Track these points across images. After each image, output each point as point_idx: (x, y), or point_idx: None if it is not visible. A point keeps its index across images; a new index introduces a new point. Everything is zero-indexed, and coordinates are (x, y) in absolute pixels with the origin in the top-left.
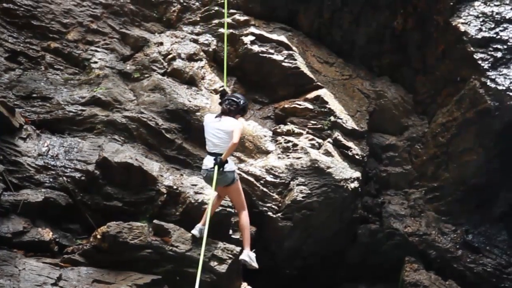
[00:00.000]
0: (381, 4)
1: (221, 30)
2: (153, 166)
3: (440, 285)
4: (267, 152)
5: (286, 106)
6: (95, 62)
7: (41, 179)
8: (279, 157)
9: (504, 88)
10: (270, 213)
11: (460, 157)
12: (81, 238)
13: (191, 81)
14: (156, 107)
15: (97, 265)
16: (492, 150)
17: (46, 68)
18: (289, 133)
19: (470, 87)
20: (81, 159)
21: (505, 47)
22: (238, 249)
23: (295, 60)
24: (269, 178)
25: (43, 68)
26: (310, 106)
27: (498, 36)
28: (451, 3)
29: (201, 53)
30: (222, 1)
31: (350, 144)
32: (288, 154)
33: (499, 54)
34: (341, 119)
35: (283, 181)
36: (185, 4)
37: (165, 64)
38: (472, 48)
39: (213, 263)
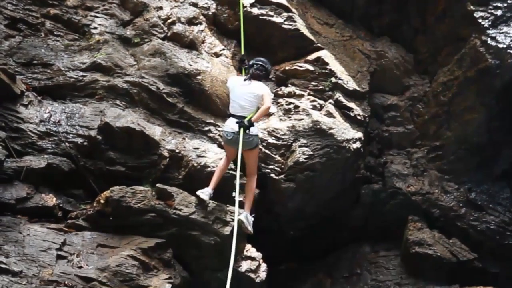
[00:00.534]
0: None
1: None
2: (155, 130)
3: (444, 243)
4: (268, 114)
5: (287, 68)
6: (95, 28)
7: (44, 145)
8: (280, 119)
9: (504, 46)
10: (273, 175)
11: (462, 115)
12: (84, 203)
13: (192, 45)
14: (157, 72)
15: (101, 230)
16: (493, 108)
17: (46, 35)
18: (290, 95)
19: (471, 46)
20: (83, 124)
21: (505, 5)
22: (241, 210)
23: (295, 22)
24: (271, 140)
25: (43, 34)
26: (311, 67)
27: None
28: None
29: (201, 17)
30: None
31: (351, 104)
32: (289, 116)
33: (499, 12)
34: (342, 80)
35: (285, 143)
36: None
37: (165, 28)
38: (472, 7)
39: (217, 226)
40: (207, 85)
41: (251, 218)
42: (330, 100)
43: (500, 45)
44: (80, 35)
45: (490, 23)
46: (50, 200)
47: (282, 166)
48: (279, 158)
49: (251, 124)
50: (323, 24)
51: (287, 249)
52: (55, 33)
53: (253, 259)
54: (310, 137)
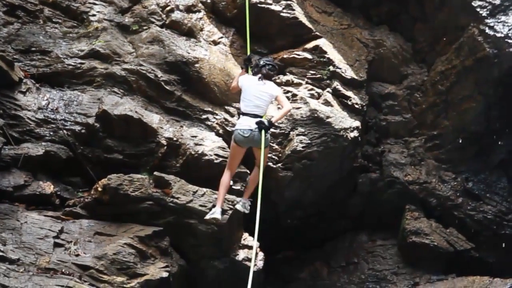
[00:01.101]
0: None
1: None
2: (152, 118)
3: (441, 232)
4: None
5: (285, 56)
6: (94, 15)
7: (42, 132)
8: (278, 108)
9: (502, 35)
10: (270, 164)
11: (460, 105)
12: (82, 191)
13: (190, 33)
14: (155, 59)
15: (98, 218)
16: (491, 98)
17: (44, 22)
18: (288, 83)
19: (469, 35)
20: (81, 112)
21: None
22: (239, 199)
23: (294, 10)
24: None
25: (42, 21)
26: (309, 56)
27: None
28: None
29: (199, 4)
30: None
31: (349, 93)
32: None
33: (497, 1)
34: (340, 68)
35: (283, 131)
36: None
37: (164, 16)
38: None
39: None
40: (205, 73)
41: (248, 203)
42: (328, 89)
43: (498, 34)
44: (79, 22)
45: (488, 12)
46: (48, 187)
47: (280, 155)
48: (276, 146)
49: (271, 125)
50: (322, 12)
51: (284, 238)
52: (53, 20)
53: (250, 247)
54: (308, 126)
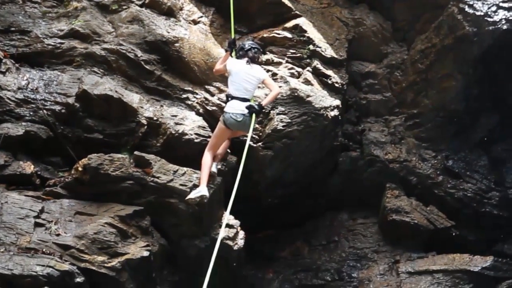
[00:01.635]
0: None
1: None
2: (133, 97)
3: (421, 210)
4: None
5: (265, 35)
6: None
7: (21, 112)
8: (258, 86)
9: (482, 13)
10: (251, 143)
11: (440, 83)
12: (62, 170)
13: (170, 12)
14: (134, 39)
15: (79, 197)
16: (471, 76)
17: (23, 2)
18: (268, 62)
19: (449, 13)
20: (61, 92)
21: None
22: (219, 178)
23: None
24: None
25: (21, 1)
26: (289, 35)
27: None
28: None
29: None
30: None
31: (329, 72)
32: None
33: None
34: (320, 47)
35: (263, 110)
36: None
37: None
38: None
39: None
40: (185, 52)
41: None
42: (308, 68)
43: (478, 13)
44: (58, 2)
45: None
46: (28, 167)
47: (260, 134)
48: (257, 125)
49: (262, 108)
50: None
51: (265, 217)
52: (33, 0)
53: (231, 226)
54: (288, 105)
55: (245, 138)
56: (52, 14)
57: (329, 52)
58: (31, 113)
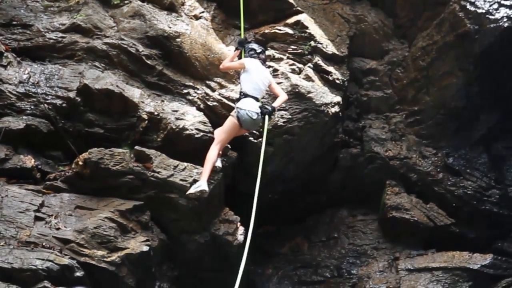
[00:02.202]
0: None
1: None
2: (134, 92)
3: (421, 208)
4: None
5: (266, 31)
6: None
7: (23, 106)
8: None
9: (483, 11)
10: (251, 138)
11: (440, 80)
12: (63, 164)
13: (171, 7)
14: (136, 34)
15: (79, 192)
16: (472, 74)
17: None
18: (269, 58)
19: (450, 11)
20: (62, 86)
21: None
22: (220, 174)
23: None
24: None
25: None
26: (290, 31)
27: None
28: None
29: None
30: None
31: (330, 68)
32: None
33: None
34: (321, 44)
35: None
36: None
37: None
38: None
39: None
40: (186, 47)
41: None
42: (309, 64)
43: (479, 10)
44: None
45: None
46: (29, 161)
47: (261, 130)
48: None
49: (274, 111)
50: None
51: (265, 213)
52: None
53: (230, 222)
54: (289, 101)
55: (246, 134)
56: (54, 8)
57: (330, 48)
58: (32, 107)
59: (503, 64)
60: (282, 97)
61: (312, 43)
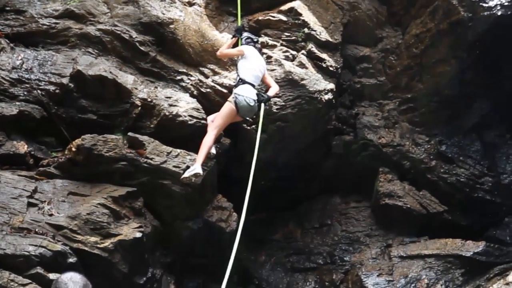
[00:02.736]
0: None
1: None
2: (127, 78)
3: (414, 195)
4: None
5: (260, 18)
6: None
7: (16, 92)
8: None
9: None
10: (244, 125)
11: (434, 68)
12: (56, 151)
13: None
14: (129, 20)
15: (72, 178)
16: (465, 61)
17: None
18: (263, 45)
19: None
20: (55, 72)
21: None
22: (214, 161)
23: None
24: None
25: None
26: (284, 18)
27: None
28: None
29: None
30: None
31: (324, 55)
32: None
33: None
34: (315, 31)
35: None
36: None
37: None
38: None
39: None
40: (180, 34)
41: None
42: (303, 51)
43: None
44: None
45: None
46: (22, 147)
47: (254, 116)
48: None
49: (269, 100)
50: None
51: (258, 200)
52: None
53: (223, 208)
54: (282, 88)
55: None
56: None
57: (324, 35)
58: (25, 93)
59: (496, 52)
60: (275, 88)
61: (306, 30)
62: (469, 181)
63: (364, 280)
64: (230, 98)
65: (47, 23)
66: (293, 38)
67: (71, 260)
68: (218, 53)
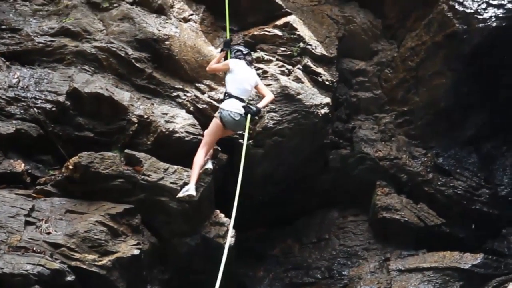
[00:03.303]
0: None
1: None
2: (123, 95)
3: (412, 208)
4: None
5: (255, 33)
6: None
7: (12, 110)
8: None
9: (472, 11)
10: (241, 140)
11: (429, 81)
12: (53, 169)
13: (160, 10)
14: (125, 37)
15: (69, 196)
16: (461, 74)
17: (14, 0)
18: (258, 60)
19: (438, 11)
20: (51, 90)
21: None
22: (211, 177)
23: None
24: None
25: None
26: (279, 33)
27: None
28: None
29: None
30: None
31: (319, 70)
32: None
33: None
34: (310, 45)
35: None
36: None
37: None
38: None
39: None
40: (175, 50)
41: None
42: (299, 65)
43: (468, 10)
44: (49, 0)
45: None
46: (19, 165)
47: (251, 132)
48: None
49: (258, 111)
50: None
51: (256, 215)
52: None
53: (221, 224)
54: (278, 103)
55: (236, 136)
56: (43, 12)
57: (319, 49)
58: (22, 111)
59: (492, 64)
60: (268, 97)
61: (301, 44)
62: (466, 193)
63: None
64: (216, 113)
65: (43, 41)
66: (289, 52)
67: (69, 278)
68: (207, 68)
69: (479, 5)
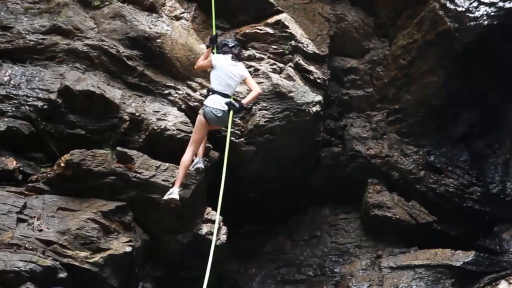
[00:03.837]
0: None
1: None
2: (115, 93)
3: (403, 205)
4: None
5: (247, 31)
6: None
7: (4, 108)
8: (240, 82)
9: (463, 9)
10: (233, 138)
11: (421, 79)
12: (45, 166)
13: (152, 8)
14: (117, 35)
15: (61, 193)
16: (452, 71)
17: None
18: (250, 58)
19: (430, 9)
20: (43, 87)
21: None
22: (202, 175)
23: None
24: None
25: None
26: (270, 31)
27: None
28: None
29: None
30: None
31: (311, 68)
32: None
33: None
34: (302, 43)
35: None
36: None
37: None
38: None
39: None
40: (167, 48)
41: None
42: (290, 63)
43: (459, 8)
44: None
45: None
46: (11, 163)
47: (242, 129)
48: (239, 121)
49: (242, 108)
50: None
51: (248, 212)
52: None
53: (213, 222)
54: (270, 100)
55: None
56: (34, 10)
57: (311, 47)
58: (14, 109)
59: (483, 62)
60: (254, 92)
61: (293, 42)
62: (458, 191)
63: None
64: (200, 110)
65: (34, 39)
66: (280, 50)
67: (61, 275)
68: (195, 66)
69: (470, 4)
